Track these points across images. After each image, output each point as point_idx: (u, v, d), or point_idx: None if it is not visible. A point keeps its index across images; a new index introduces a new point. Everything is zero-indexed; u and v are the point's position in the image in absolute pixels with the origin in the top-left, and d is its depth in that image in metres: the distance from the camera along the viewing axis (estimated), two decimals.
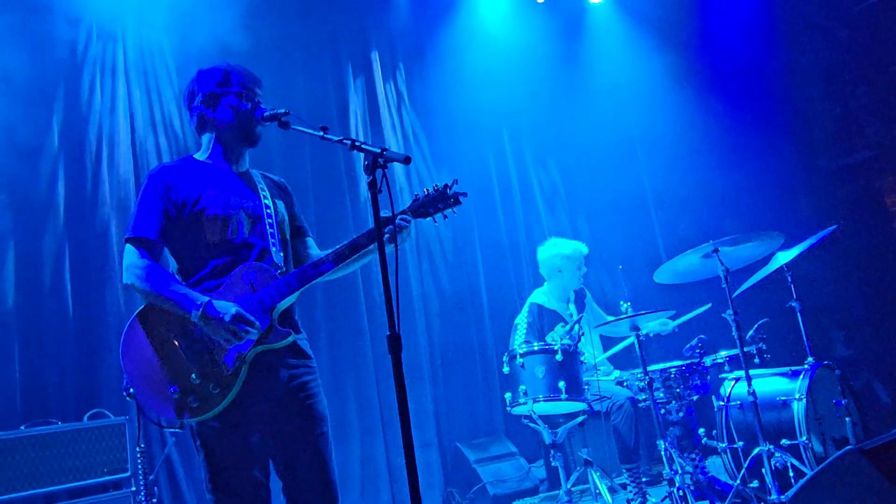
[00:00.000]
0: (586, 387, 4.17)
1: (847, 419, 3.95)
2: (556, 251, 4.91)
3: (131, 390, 2.29)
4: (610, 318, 4.67)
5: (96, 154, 4.61)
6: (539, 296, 5.00)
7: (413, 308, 5.81)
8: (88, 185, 4.56)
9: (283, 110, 2.37)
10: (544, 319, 4.85)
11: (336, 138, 2.16)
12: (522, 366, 4.03)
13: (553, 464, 4.06)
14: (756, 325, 4.44)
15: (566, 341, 4.28)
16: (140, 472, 3.61)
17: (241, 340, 2.24)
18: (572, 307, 4.89)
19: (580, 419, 4.23)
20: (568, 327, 4.48)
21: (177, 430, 2.35)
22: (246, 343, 2.28)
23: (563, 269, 4.88)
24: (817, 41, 6.38)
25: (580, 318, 4.45)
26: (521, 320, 4.88)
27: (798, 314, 4.29)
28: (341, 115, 5.83)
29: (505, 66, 6.62)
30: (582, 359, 4.24)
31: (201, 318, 2.22)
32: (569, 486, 3.98)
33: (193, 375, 2.26)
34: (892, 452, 2.40)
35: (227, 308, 2.23)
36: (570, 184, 7.03)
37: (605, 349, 4.99)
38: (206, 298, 2.25)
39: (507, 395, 4.09)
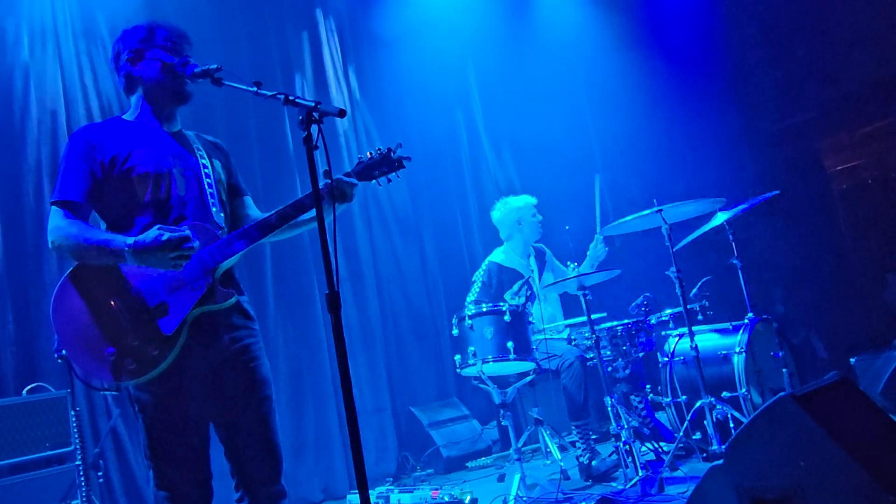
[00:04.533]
0: (535, 346, 4.22)
1: (784, 370, 4.10)
2: (509, 207, 5.01)
3: (63, 352, 2.21)
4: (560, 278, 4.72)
5: (22, 119, 4.40)
6: (497, 254, 5.04)
7: (364, 274, 5.78)
8: (19, 153, 4.37)
9: (214, 66, 2.28)
10: (503, 277, 4.88)
11: (269, 93, 2.09)
12: (471, 327, 4.04)
13: (503, 423, 4.12)
14: (699, 283, 4.55)
15: (518, 301, 4.32)
16: (76, 438, 3.52)
17: (189, 258, 2.17)
18: (533, 262, 4.94)
19: (529, 378, 4.29)
20: (516, 287, 4.52)
21: (114, 392, 2.28)
22: (186, 304, 2.22)
23: (521, 221, 4.96)
24: (758, 5, 6.47)
25: (527, 279, 4.49)
26: (477, 277, 4.94)
27: (739, 272, 4.41)
28: (287, 85, 5.71)
29: (452, 30, 6.57)
30: (531, 319, 4.28)
31: (135, 256, 2.15)
32: (519, 445, 4.03)
33: (131, 337, 2.19)
34: (823, 398, 2.51)
35: (152, 231, 2.15)
36: (519, 148, 7.05)
37: (564, 307, 5.06)
38: (132, 239, 2.17)
39: (457, 357, 4.11)
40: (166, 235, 2.14)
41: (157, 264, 2.16)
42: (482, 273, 4.93)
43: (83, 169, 2.29)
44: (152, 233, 2.16)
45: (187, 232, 2.18)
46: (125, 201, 2.31)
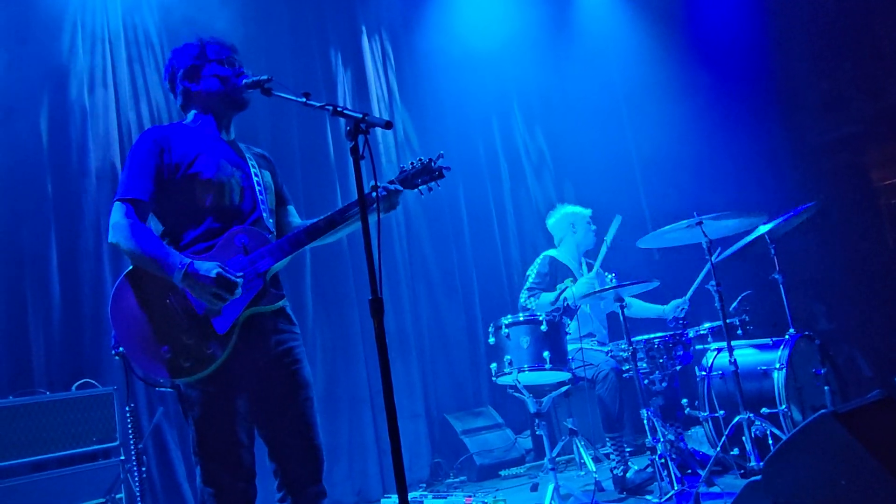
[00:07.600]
0: (571, 357, 4.21)
1: (826, 388, 4.03)
2: (564, 211, 5.10)
3: (121, 349, 2.30)
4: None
5: (81, 125, 4.56)
6: (552, 251, 5.09)
7: (399, 279, 5.84)
8: (73, 154, 4.52)
9: (265, 77, 2.38)
10: (557, 269, 4.92)
11: (318, 104, 2.17)
12: (508, 336, 4.06)
13: (538, 433, 4.12)
14: (739, 297, 4.50)
15: (563, 303, 4.38)
16: (130, 433, 3.64)
17: (226, 302, 2.24)
18: (585, 269, 4.96)
19: (565, 389, 4.28)
20: (553, 296, 4.53)
21: (168, 388, 2.37)
22: (239, 304, 2.29)
23: (575, 225, 5.02)
24: (804, 14, 6.37)
25: (564, 290, 4.50)
26: (532, 270, 4.98)
27: (781, 287, 4.34)
28: (329, 88, 5.81)
29: (492, 34, 6.62)
30: (567, 329, 4.28)
31: (184, 279, 2.22)
32: (553, 455, 4.04)
33: (186, 335, 2.27)
34: (865, 416, 2.47)
35: (210, 268, 2.22)
36: (557, 155, 7.08)
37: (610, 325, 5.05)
38: (189, 260, 2.24)
39: (493, 366, 4.13)
40: (218, 272, 2.21)
41: (197, 293, 2.23)
42: (537, 265, 4.97)
43: (150, 168, 2.36)
44: (210, 265, 2.23)
45: (240, 280, 2.26)
46: (186, 205, 2.39)
